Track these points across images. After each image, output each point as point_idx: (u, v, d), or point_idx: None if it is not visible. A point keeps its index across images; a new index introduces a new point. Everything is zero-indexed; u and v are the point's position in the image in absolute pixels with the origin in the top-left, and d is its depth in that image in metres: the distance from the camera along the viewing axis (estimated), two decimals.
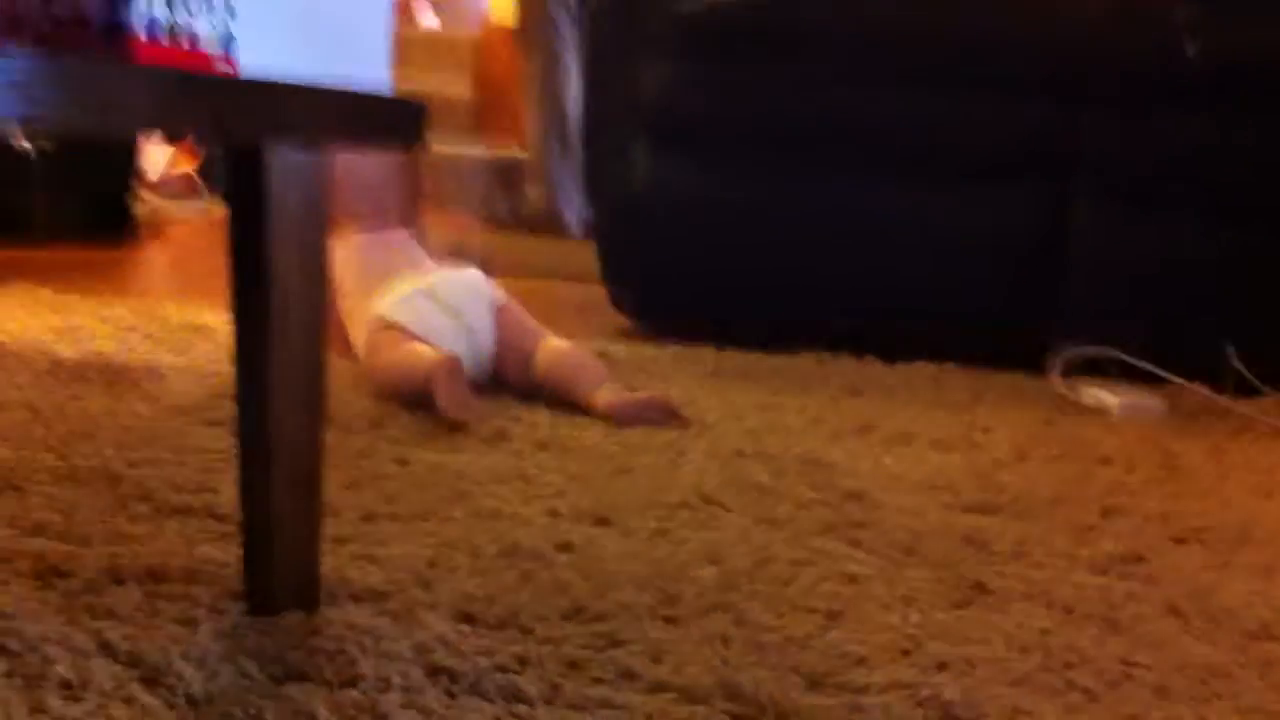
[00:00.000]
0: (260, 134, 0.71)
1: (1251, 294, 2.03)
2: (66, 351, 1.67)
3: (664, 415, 1.56)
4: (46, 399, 1.42)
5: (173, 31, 0.57)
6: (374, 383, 1.62)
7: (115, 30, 0.55)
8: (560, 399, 1.61)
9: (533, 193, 4.39)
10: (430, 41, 5.49)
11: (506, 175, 4.88)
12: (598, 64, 2.39)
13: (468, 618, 0.90)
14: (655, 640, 0.89)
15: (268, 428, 0.86)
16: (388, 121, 0.78)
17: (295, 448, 0.88)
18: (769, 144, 2.15)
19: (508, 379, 1.68)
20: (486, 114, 5.19)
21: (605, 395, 1.57)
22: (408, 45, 5.38)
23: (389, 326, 1.64)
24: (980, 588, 1.06)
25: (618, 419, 1.54)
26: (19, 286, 2.10)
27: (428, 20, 6.18)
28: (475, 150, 4.82)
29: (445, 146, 4.72)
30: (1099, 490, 1.38)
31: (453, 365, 1.52)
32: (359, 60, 0.76)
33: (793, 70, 2.11)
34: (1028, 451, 1.54)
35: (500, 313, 1.70)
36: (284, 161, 0.84)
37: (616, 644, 0.88)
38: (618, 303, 2.34)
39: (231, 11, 0.61)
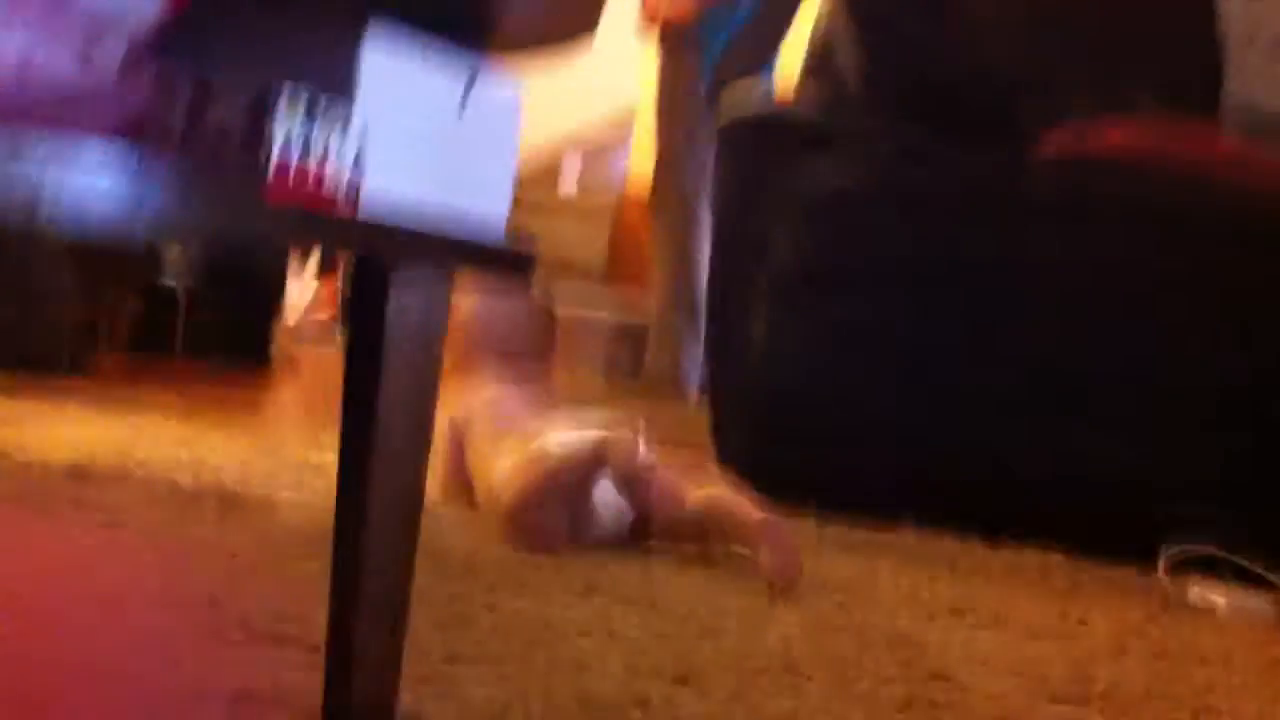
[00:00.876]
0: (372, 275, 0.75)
1: None
2: (186, 479, 1.73)
3: (785, 563, 1.56)
4: (159, 524, 1.48)
5: (306, 148, 0.62)
6: (513, 512, 1.63)
7: (252, 143, 0.59)
8: (715, 533, 1.64)
9: (654, 356, 4.46)
10: (570, 205, 5.67)
11: (633, 339, 4.97)
12: (726, 226, 2.45)
13: None
14: None
15: (360, 555, 0.90)
16: (498, 267, 0.82)
17: (384, 577, 0.91)
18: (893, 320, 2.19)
19: (652, 530, 1.69)
20: (618, 278, 5.31)
21: (759, 513, 1.60)
22: (548, 208, 5.56)
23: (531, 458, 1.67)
24: None
25: (770, 541, 1.56)
26: (151, 417, 2.20)
27: (569, 185, 6.38)
28: (604, 313, 4.93)
29: (576, 308, 4.85)
30: (1194, 688, 1.35)
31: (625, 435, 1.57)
32: (482, 193, 0.80)
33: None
34: (1125, 646, 1.51)
35: (652, 469, 1.70)
36: (405, 288, 0.88)
37: None
38: (723, 462, 2.36)
39: (365, 132, 0.66)
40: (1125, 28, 2.63)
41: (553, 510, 1.60)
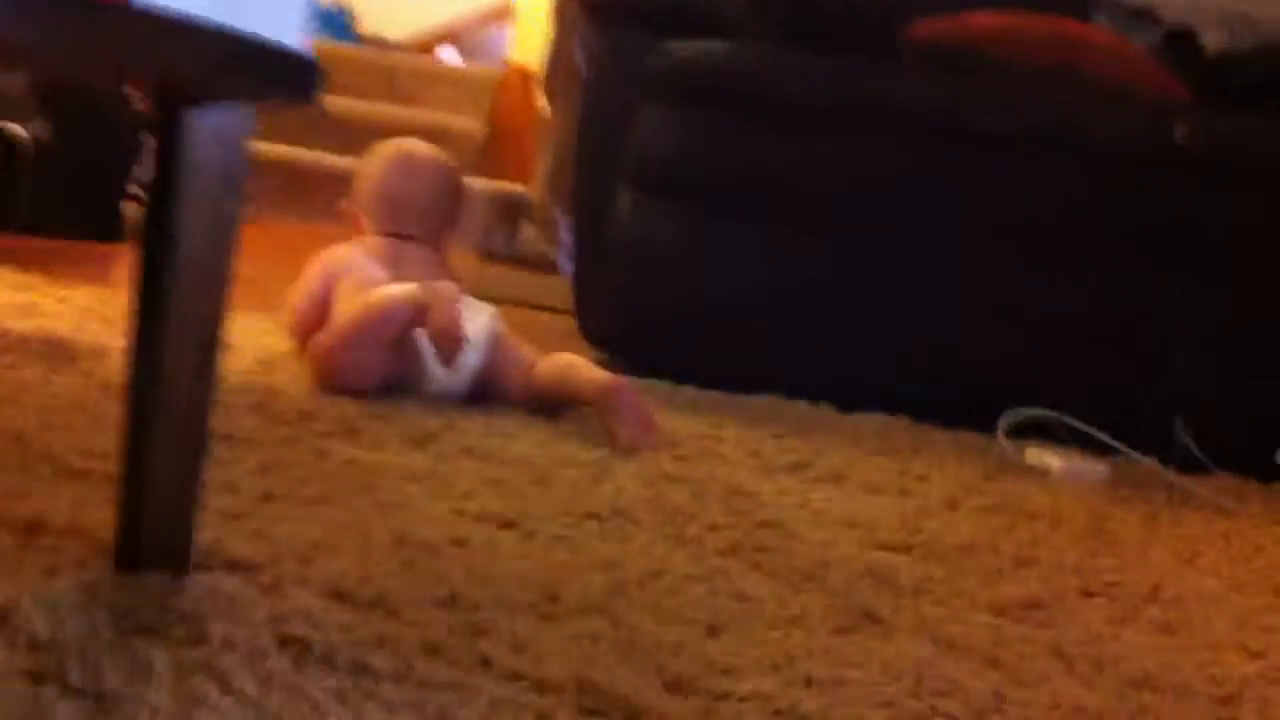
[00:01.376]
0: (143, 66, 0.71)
1: (1211, 367, 2.03)
2: (15, 324, 1.67)
3: (641, 424, 1.57)
4: None
5: None
6: (323, 355, 1.61)
7: None
8: (558, 397, 1.66)
9: (531, 231, 4.42)
10: (449, 77, 5.54)
11: (509, 211, 4.91)
12: (590, 108, 2.41)
13: (337, 595, 0.90)
14: (522, 634, 0.89)
15: (156, 387, 0.86)
16: (279, 72, 0.78)
17: (181, 411, 0.88)
18: (746, 199, 2.16)
19: (507, 396, 1.69)
20: (497, 151, 5.22)
21: (605, 377, 1.61)
22: (428, 79, 5.44)
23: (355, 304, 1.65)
24: (871, 617, 1.06)
25: (612, 396, 1.58)
26: None
27: (449, 56, 6.25)
28: (480, 184, 4.85)
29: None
30: (1018, 541, 1.38)
31: (450, 290, 1.57)
32: (269, 24, 0.76)
33: (768, 130, 2.13)
34: (958, 501, 1.54)
35: (500, 338, 1.70)
36: (204, 124, 0.84)
37: (481, 633, 0.88)
38: (586, 333, 2.36)
39: None
40: None
41: (366, 352, 1.59)
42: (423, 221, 1.89)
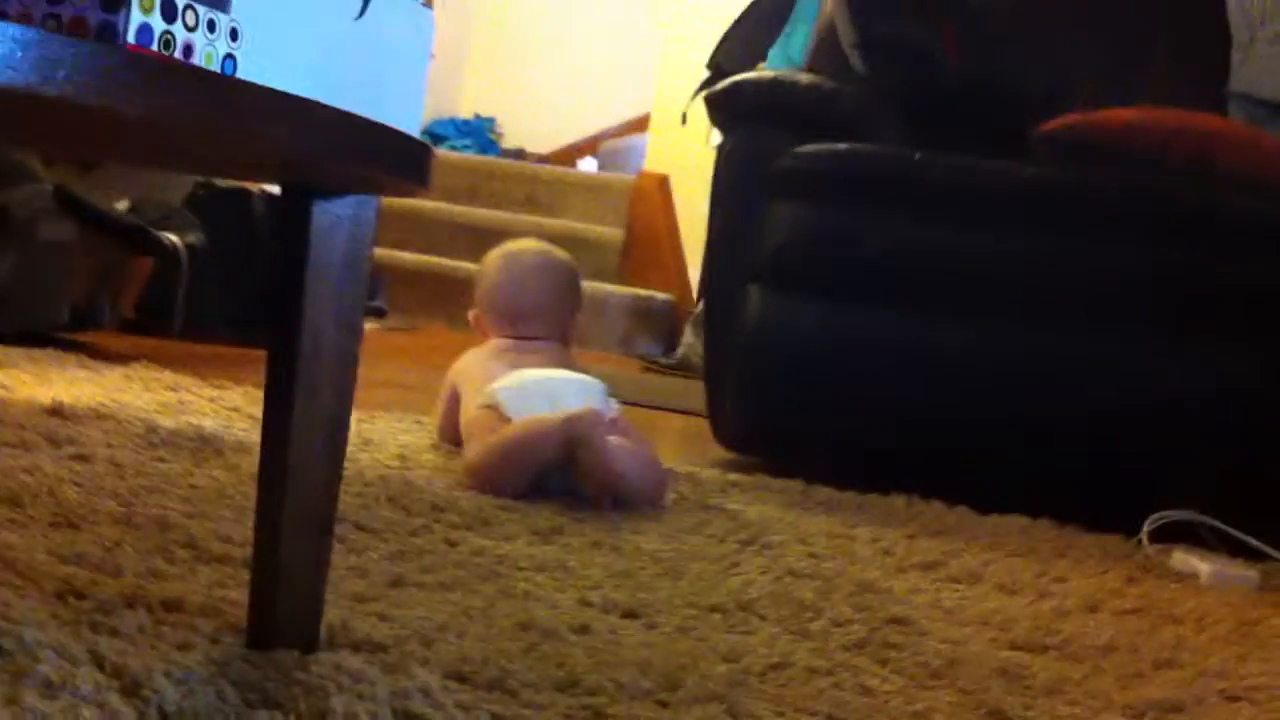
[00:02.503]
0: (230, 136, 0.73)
1: None
2: (166, 422, 1.74)
3: (651, 474, 1.61)
4: (131, 458, 1.48)
5: (166, 43, 0.61)
6: (478, 466, 1.64)
7: (107, 30, 0.59)
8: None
9: (690, 337, 4.47)
10: (587, 185, 5.67)
11: (657, 318, 4.97)
12: (720, 207, 2.43)
13: (458, 676, 0.91)
14: (640, 718, 0.88)
15: (285, 471, 0.89)
16: (394, 156, 0.82)
17: (310, 493, 0.91)
18: (876, 290, 2.16)
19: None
20: (635, 257, 5.30)
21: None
22: (566, 188, 5.57)
23: (486, 406, 1.70)
24: (1000, 715, 1.03)
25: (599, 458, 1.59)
26: (146, 368, 2.20)
27: (588, 166, 6.40)
28: (620, 291, 4.93)
29: (593, 285, 4.85)
30: (1159, 644, 1.33)
31: (593, 415, 1.59)
32: (388, 103, 0.80)
33: (898, 221, 2.14)
34: (1098, 604, 1.49)
35: (612, 422, 1.70)
36: (328, 214, 0.88)
37: (600, 716, 0.88)
38: (717, 434, 2.36)
39: (235, 34, 0.65)
40: (1131, 26, 2.62)
41: (515, 474, 1.61)
42: (540, 320, 1.92)
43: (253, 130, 0.66)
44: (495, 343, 1.91)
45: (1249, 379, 2.03)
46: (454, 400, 1.87)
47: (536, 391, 1.71)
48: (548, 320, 1.94)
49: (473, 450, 1.67)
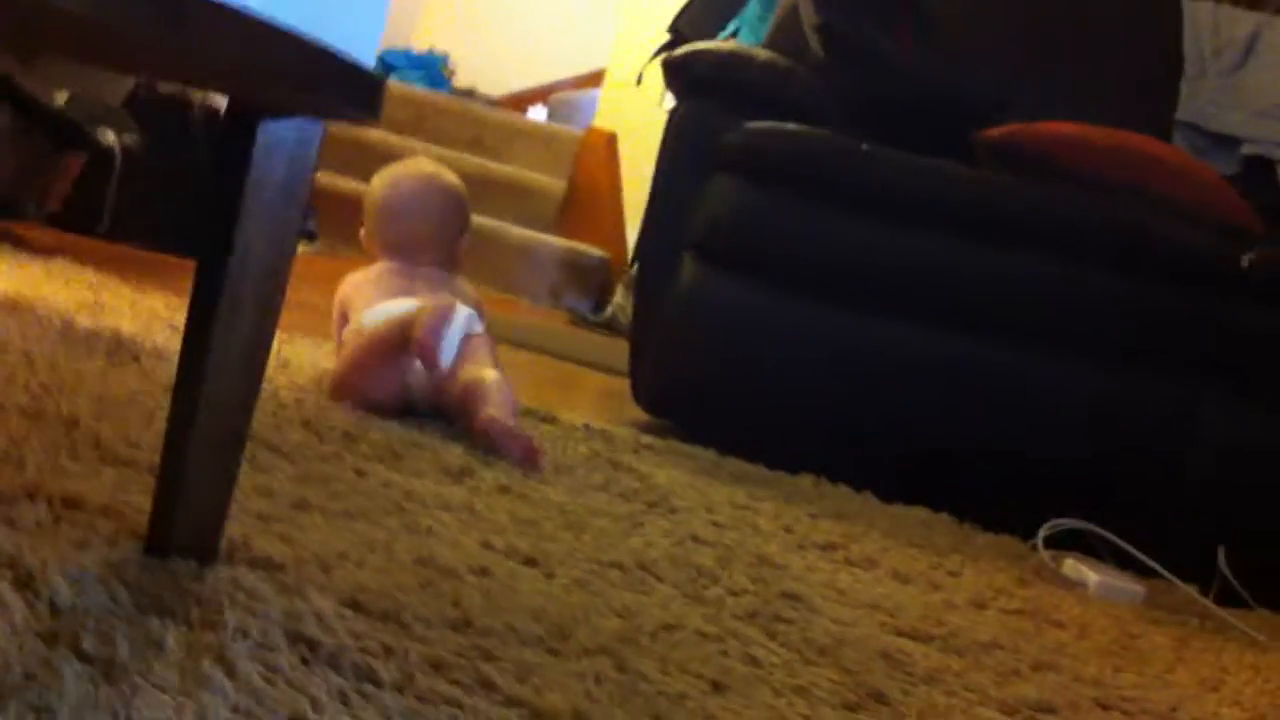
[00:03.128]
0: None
1: (1260, 501, 2.01)
2: (84, 321, 1.71)
3: (524, 453, 1.59)
4: (45, 352, 1.46)
5: None
6: (337, 378, 1.70)
7: None
8: (456, 412, 1.68)
9: (621, 297, 4.47)
10: (535, 134, 5.63)
11: (579, 271, 4.96)
12: (664, 174, 2.44)
13: (353, 604, 0.91)
14: (528, 663, 0.90)
15: (201, 382, 0.89)
16: (345, 85, 0.81)
17: (222, 410, 0.90)
18: (807, 278, 2.18)
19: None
20: (575, 211, 5.29)
21: (489, 412, 1.62)
22: (514, 134, 5.54)
23: (355, 331, 1.74)
24: (879, 698, 1.06)
25: (483, 436, 1.60)
26: (69, 265, 2.17)
27: (538, 115, 6.36)
28: (556, 243, 4.91)
29: (528, 233, 4.83)
30: (1041, 646, 1.37)
31: (441, 310, 1.62)
32: (345, 40, 0.79)
33: (833, 212, 2.15)
34: (987, 602, 1.53)
35: (465, 340, 1.71)
36: (274, 136, 0.88)
37: (487, 657, 0.89)
38: (636, 395, 2.37)
39: None
40: (1085, 48, 2.66)
41: (370, 374, 1.66)
42: (427, 243, 1.88)
43: (202, 44, 0.66)
44: (382, 265, 1.86)
45: (1148, 396, 2.08)
46: (344, 322, 1.84)
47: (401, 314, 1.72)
48: (435, 243, 1.88)
49: (340, 362, 1.71)
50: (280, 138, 0.87)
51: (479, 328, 1.76)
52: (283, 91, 0.81)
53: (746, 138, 2.20)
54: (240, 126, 0.87)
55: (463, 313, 1.70)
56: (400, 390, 1.69)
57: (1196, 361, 2.05)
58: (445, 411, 1.71)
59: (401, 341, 1.66)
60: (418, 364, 1.67)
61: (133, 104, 2.91)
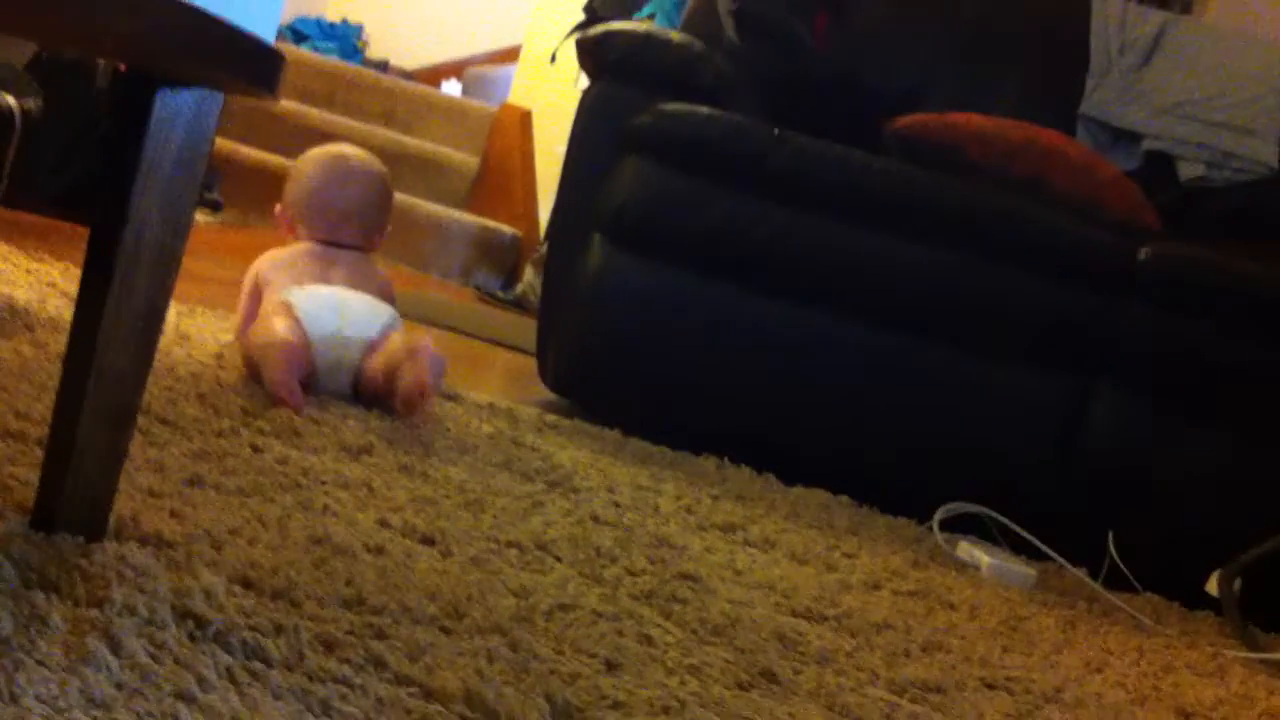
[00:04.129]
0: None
1: (1146, 488, 2.06)
2: None
3: (405, 404, 1.64)
4: None
5: None
6: (244, 351, 1.71)
7: None
8: (381, 375, 1.70)
9: (530, 275, 4.45)
10: (448, 109, 5.58)
11: (490, 249, 4.94)
12: (576, 152, 2.43)
13: (244, 582, 0.91)
14: (421, 642, 0.90)
15: (92, 355, 0.88)
16: (243, 60, 0.80)
17: (114, 383, 0.89)
18: (713, 263, 2.19)
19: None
20: (487, 189, 5.25)
21: (377, 361, 1.69)
22: (427, 108, 5.49)
23: (282, 301, 1.72)
24: (770, 677, 1.07)
25: (366, 382, 1.68)
26: None
27: (451, 89, 6.31)
28: (468, 220, 4.88)
29: (440, 209, 4.80)
30: (931, 627, 1.40)
31: (289, 348, 1.61)
32: (245, 16, 0.79)
33: (743, 197, 2.17)
34: (881, 583, 1.55)
35: (385, 337, 1.74)
36: (171, 105, 0.87)
37: (380, 636, 0.89)
38: (543, 374, 2.37)
39: None
40: (995, 42, 2.70)
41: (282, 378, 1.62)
42: (356, 228, 1.89)
43: (94, 15, 0.65)
44: (304, 245, 1.86)
45: (1043, 385, 2.12)
46: (256, 299, 1.82)
47: (329, 302, 1.73)
48: (361, 227, 1.90)
49: (256, 331, 1.68)
50: (178, 108, 0.86)
51: (398, 326, 1.78)
52: (180, 63, 0.80)
53: (658, 119, 2.20)
54: (138, 95, 0.86)
55: (379, 317, 1.75)
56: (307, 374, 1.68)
57: (1090, 353, 2.10)
58: (372, 397, 1.72)
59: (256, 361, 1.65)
60: (343, 352, 1.71)
61: (35, 66, 2.84)
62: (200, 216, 3.71)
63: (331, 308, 1.73)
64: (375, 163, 1.97)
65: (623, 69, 2.30)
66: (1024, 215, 2.12)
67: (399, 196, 4.53)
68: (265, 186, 4.50)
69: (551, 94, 4.94)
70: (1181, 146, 2.44)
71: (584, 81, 2.46)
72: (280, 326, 1.65)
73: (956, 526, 1.99)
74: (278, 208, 1.93)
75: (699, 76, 2.28)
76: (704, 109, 2.21)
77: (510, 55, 5.99)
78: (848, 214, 2.15)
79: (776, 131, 2.16)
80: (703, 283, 2.19)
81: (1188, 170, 2.43)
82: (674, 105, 2.21)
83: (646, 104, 2.23)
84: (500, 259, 4.96)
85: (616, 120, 2.26)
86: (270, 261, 1.83)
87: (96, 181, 2.82)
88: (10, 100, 2.66)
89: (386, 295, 1.85)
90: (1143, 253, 2.08)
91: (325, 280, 1.77)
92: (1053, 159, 2.17)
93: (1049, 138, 2.22)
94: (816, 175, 2.15)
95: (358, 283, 1.81)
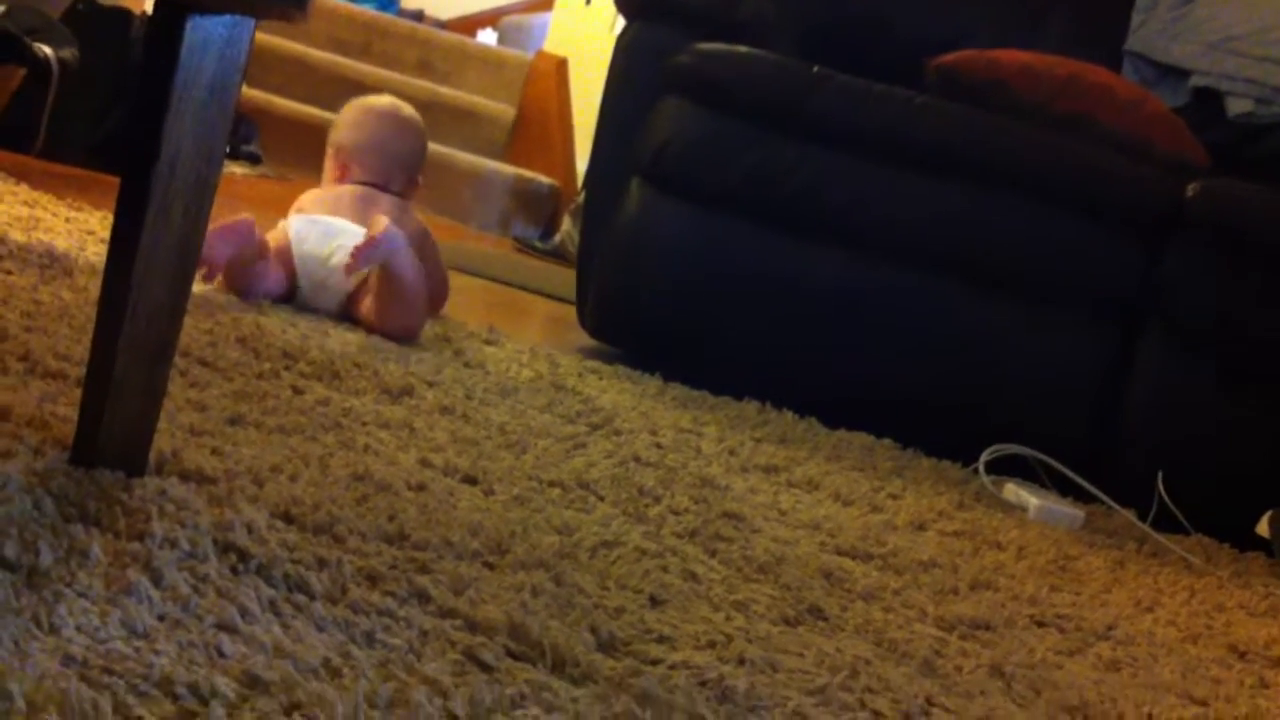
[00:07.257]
0: None
1: (1199, 431, 2.03)
2: (17, 236, 1.68)
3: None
4: None
5: None
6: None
7: None
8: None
9: (567, 227, 4.42)
10: (484, 59, 5.55)
11: (528, 199, 4.92)
12: (613, 96, 2.40)
13: (285, 516, 0.90)
14: (464, 576, 0.89)
15: (128, 289, 0.87)
16: None
17: (151, 315, 0.88)
18: (753, 206, 2.16)
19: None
20: (523, 138, 5.22)
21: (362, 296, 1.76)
22: (463, 59, 5.45)
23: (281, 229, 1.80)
24: (818, 613, 1.06)
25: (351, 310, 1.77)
26: (2, 181, 2.12)
27: (487, 39, 6.28)
28: (505, 170, 4.86)
29: (477, 160, 4.78)
30: (979, 566, 1.38)
31: (237, 222, 1.68)
32: None
33: (784, 139, 2.13)
34: (927, 523, 1.54)
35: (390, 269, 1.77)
36: (201, 33, 0.85)
37: (424, 570, 0.88)
38: (582, 321, 2.36)
39: None
40: None
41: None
42: (403, 175, 1.99)
43: None
44: (350, 186, 1.92)
45: (1095, 335, 2.09)
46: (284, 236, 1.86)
47: (322, 227, 1.79)
48: (400, 173, 1.99)
49: None
50: (209, 35, 0.85)
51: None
52: None
53: (695, 59, 2.17)
54: (167, 23, 0.84)
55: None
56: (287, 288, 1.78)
57: (1138, 293, 2.06)
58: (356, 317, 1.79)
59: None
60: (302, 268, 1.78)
61: (71, 17, 2.83)
62: (239, 169, 3.71)
63: (323, 233, 1.78)
64: (416, 115, 2.07)
65: (659, 8, 2.27)
66: (1070, 153, 2.08)
67: (436, 148, 4.52)
68: (303, 138, 4.49)
69: (587, 41, 4.90)
70: (1229, 82, 2.38)
71: (620, 26, 2.43)
72: (267, 235, 1.74)
73: (1002, 469, 1.96)
74: (326, 165, 1.98)
75: (736, 16, 2.25)
76: (742, 48, 2.17)
77: (545, 2, 5.94)
78: (890, 155, 2.12)
79: (816, 69, 2.13)
80: (742, 225, 2.16)
81: (1236, 106, 2.37)
82: (712, 45, 2.18)
83: (684, 44, 2.20)
84: (538, 209, 4.94)
85: (653, 61, 2.23)
86: (313, 197, 1.89)
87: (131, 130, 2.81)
88: (47, 50, 2.66)
89: (421, 240, 1.87)
90: (1190, 189, 2.04)
91: (364, 220, 1.78)
92: (1098, 94, 2.12)
93: (1095, 73, 2.17)
94: (859, 115, 2.11)
95: (396, 223, 1.82)
